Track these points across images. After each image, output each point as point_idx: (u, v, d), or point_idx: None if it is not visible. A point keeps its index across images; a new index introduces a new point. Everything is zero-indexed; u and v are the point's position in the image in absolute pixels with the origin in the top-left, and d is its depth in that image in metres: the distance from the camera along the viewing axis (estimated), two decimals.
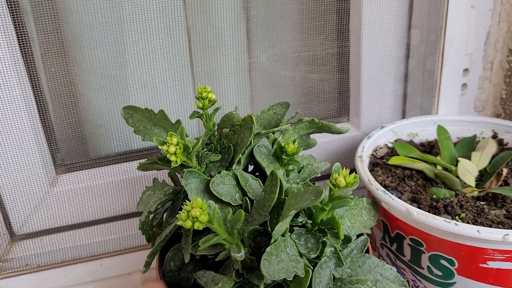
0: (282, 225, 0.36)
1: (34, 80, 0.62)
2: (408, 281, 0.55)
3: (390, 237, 0.55)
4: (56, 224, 0.67)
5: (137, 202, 0.55)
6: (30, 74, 0.62)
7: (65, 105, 0.67)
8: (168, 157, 0.43)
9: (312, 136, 0.57)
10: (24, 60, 0.61)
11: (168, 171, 0.54)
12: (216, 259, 0.41)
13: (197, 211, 0.37)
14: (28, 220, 0.66)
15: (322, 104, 0.76)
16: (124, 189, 0.69)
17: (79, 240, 0.67)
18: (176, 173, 0.54)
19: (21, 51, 0.60)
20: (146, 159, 0.52)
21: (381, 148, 0.65)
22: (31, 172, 0.64)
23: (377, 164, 0.63)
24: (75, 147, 0.71)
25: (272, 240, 0.37)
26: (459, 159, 0.57)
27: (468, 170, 0.55)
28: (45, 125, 0.66)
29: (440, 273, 0.51)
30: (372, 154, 0.64)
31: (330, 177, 0.41)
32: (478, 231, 0.46)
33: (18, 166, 0.63)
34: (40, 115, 0.64)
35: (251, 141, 0.45)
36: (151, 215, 0.51)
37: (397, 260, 0.56)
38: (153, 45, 0.66)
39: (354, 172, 0.52)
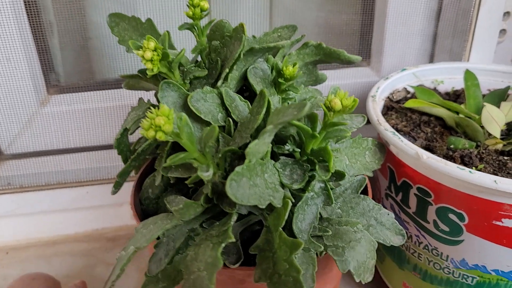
0: (259, 144, 0.31)
1: None
2: (411, 237, 0.50)
3: (396, 186, 0.49)
4: (43, 147, 0.63)
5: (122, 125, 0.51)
6: None
7: (66, 26, 0.62)
8: (143, 63, 0.38)
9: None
10: None
11: (155, 92, 0.49)
12: (186, 182, 0.37)
13: (161, 120, 0.32)
14: (16, 140, 0.63)
15: (343, 46, 0.69)
16: (117, 116, 0.64)
17: (66, 165, 0.63)
18: None
19: None
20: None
21: (399, 91, 0.58)
22: (20, 90, 0.60)
23: (392, 108, 0.56)
24: (72, 69, 0.66)
25: (246, 161, 0.32)
26: (485, 103, 0.50)
27: (494, 118, 0.48)
28: (38, 43, 0.61)
29: (447, 229, 0.45)
30: (388, 97, 0.58)
31: (325, 100, 0.35)
32: (495, 181, 0.39)
33: (6, 82, 0.60)
34: (33, 34, 0.60)
35: (240, 54, 0.39)
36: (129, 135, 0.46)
37: (401, 212, 0.50)
38: None
39: (367, 118, 0.46)
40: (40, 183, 0.62)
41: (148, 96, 0.63)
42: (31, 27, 0.59)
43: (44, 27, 0.62)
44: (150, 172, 0.49)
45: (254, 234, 0.42)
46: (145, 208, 0.47)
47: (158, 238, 0.37)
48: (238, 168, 0.31)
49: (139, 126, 0.47)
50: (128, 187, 0.66)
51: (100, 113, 0.63)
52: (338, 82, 0.67)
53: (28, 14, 0.59)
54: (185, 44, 0.64)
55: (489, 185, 0.39)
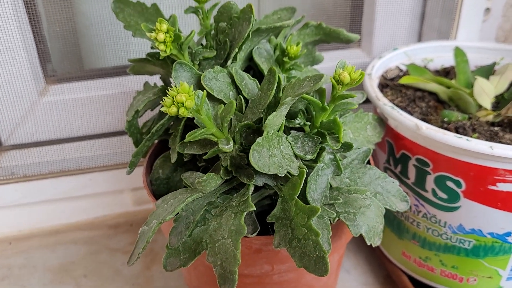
0: (276, 116, 0.33)
1: None
2: (410, 207, 0.52)
3: (395, 158, 0.52)
4: (44, 137, 0.64)
5: (127, 110, 0.52)
6: None
7: (59, 16, 0.62)
8: (156, 46, 0.39)
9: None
10: None
11: (161, 75, 0.51)
12: (204, 157, 0.38)
13: (183, 96, 0.33)
14: (16, 130, 0.63)
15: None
16: (117, 104, 0.65)
17: (68, 154, 0.64)
18: (169, 78, 0.51)
19: None
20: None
21: (392, 70, 0.61)
22: (19, 80, 0.61)
23: (387, 85, 0.58)
24: (68, 59, 0.67)
25: (265, 133, 0.34)
26: (476, 77, 0.52)
27: (485, 91, 0.51)
28: (36, 33, 0.62)
29: (445, 196, 0.48)
30: (382, 75, 0.60)
31: (334, 73, 0.37)
32: (491, 147, 0.42)
33: (5, 73, 0.60)
34: (31, 24, 0.60)
35: (249, 34, 0.41)
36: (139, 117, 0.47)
37: (400, 184, 0.52)
38: None
39: (366, 95, 0.48)
40: (44, 171, 0.63)
41: (150, 80, 0.64)
42: (28, 17, 0.60)
43: (40, 17, 0.62)
44: (157, 155, 0.50)
45: (265, 208, 0.44)
46: (155, 189, 0.48)
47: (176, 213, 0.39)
48: (259, 139, 0.32)
49: (149, 108, 0.48)
50: (127, 176, 0.67)
51: (98, 102, 0.64)
52: (330, 64, 0.69)
53: (25, 4, 0.59)
54: (186, 29, 0.65)
55: (485, 151, 0.42)
